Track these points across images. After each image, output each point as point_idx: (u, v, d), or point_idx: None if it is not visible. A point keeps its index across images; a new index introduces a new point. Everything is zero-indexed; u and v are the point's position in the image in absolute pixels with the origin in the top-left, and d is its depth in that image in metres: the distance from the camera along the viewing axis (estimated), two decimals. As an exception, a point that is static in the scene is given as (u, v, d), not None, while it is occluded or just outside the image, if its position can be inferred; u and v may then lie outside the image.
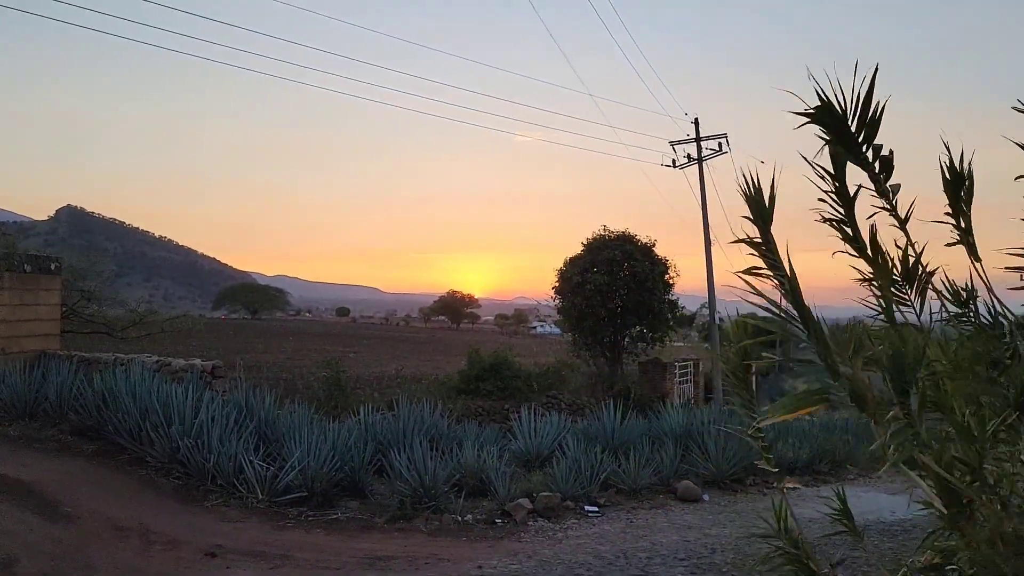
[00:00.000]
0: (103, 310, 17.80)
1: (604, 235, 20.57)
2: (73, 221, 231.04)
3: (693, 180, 21.90)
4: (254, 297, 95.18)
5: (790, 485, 10.36)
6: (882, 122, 1.53)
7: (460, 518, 7.62)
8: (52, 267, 13.40)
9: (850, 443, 12.20)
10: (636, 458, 9.20)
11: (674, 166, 21.67)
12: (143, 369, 10.51)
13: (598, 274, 19.31)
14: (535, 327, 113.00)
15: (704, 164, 21.27)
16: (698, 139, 21.48)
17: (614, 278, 19.53)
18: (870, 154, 1.59)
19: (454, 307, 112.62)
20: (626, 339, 20.89)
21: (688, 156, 21.63)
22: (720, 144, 21.47)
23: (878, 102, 1.49)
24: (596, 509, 8.29)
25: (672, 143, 21.82)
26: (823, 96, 1.50)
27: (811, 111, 1.52)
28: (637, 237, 20.53)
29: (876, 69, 1.45)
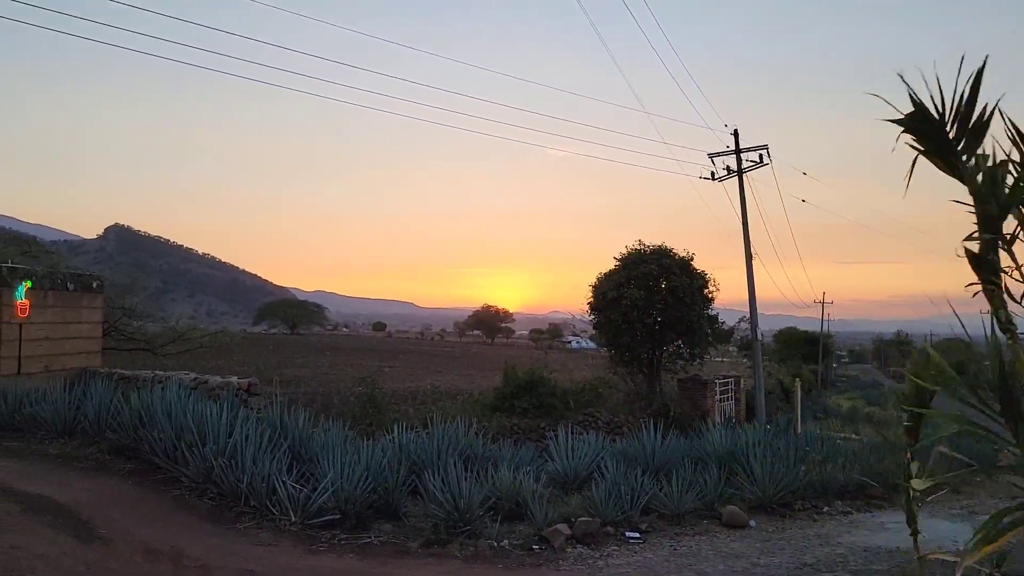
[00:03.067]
0: (144, 327, 18.02)
1: (640, 249, 20.22)
2: (121, 239, 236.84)
3: (732, 192, 21.52)
4: (293, 312, 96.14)
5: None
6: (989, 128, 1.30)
7: (496, 543, 7.39)
8: (94, 285, 13.58)
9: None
10: (679, 481, 8.87)
11: (713, 178, 21.29)
12: (180, 387, 10.53)
13: (634, 289, 18.96)
14: (570, 342, 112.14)
15: (744, 176, 20.87)
16: (738, 151, 21.07)
17: (651, 293, 19.16)
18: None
19: (488, 321, 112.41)
20: (664, 355, 20.47)
21: (728, 168, 21.22)
22: (761, 156, 21.02)
23: (985, 104, 1.26)
24: (638, 535, 8.00)
25: (711, 155, 21.45)
26: (916, 99, 1.28)
27: (902, 118, 1.30)
28: (674, 251, 20.14)
29: (983, 65, 1.22)
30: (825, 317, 69.32)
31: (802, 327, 72.64)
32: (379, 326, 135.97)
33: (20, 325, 11.83)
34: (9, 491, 7.90)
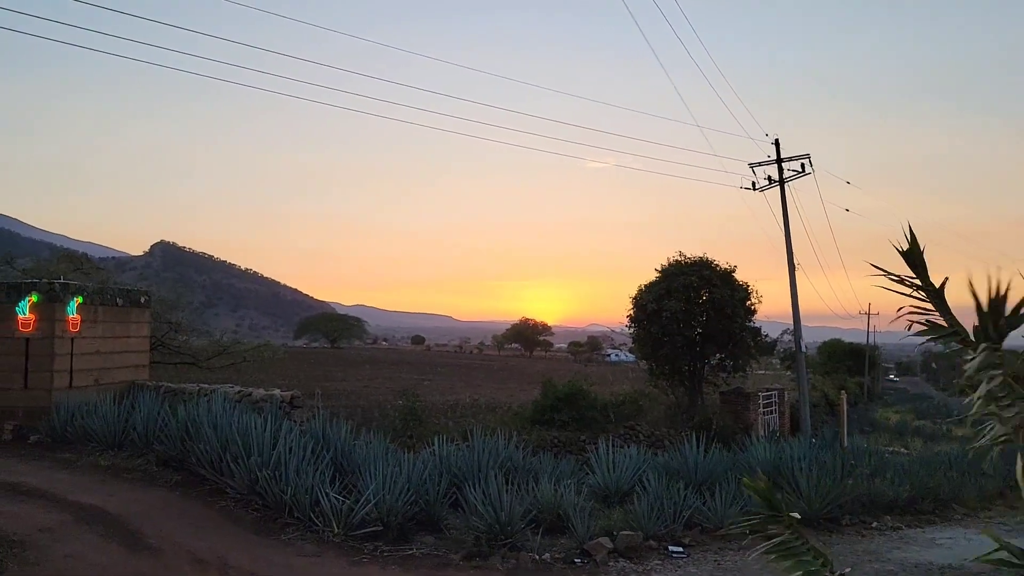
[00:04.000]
0: (190, 341, 18.40)
1: (680, 261, 20.03)
2: (166, 255, 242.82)
3: (774, 202, 21.17)
4: (333, 326, 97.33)
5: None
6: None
7: (537, 557, 7.36)
8: (142, 300, 13.91)
9: (955, 480, 11.35)
10: (722, 495, 8.73)
11: (754, 188, 20.97)
12: (225, 400, 10.71)
13: (675, 301, 18.77)
14: (609, 355, 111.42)
15: (786, 186, 20.55)
16: (779, 160, 20.74)
17: (692, 305, 18.96)
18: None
19: (527, 335, 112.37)
20: (706, 368, 20.20)
21: (769, 178, 20.88)
22: (803, 165, 20.65)
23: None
24: (681, 550, 7.88)
25: (752, 165, 21.15)
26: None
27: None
28: (716, 262, 19.93)
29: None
30: (871, 328, 67.70)
31: (847, 339, 71.14)
32: (418, 339, 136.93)
33: (72, 339, 12.16)
34: (63, 502, 8.12)
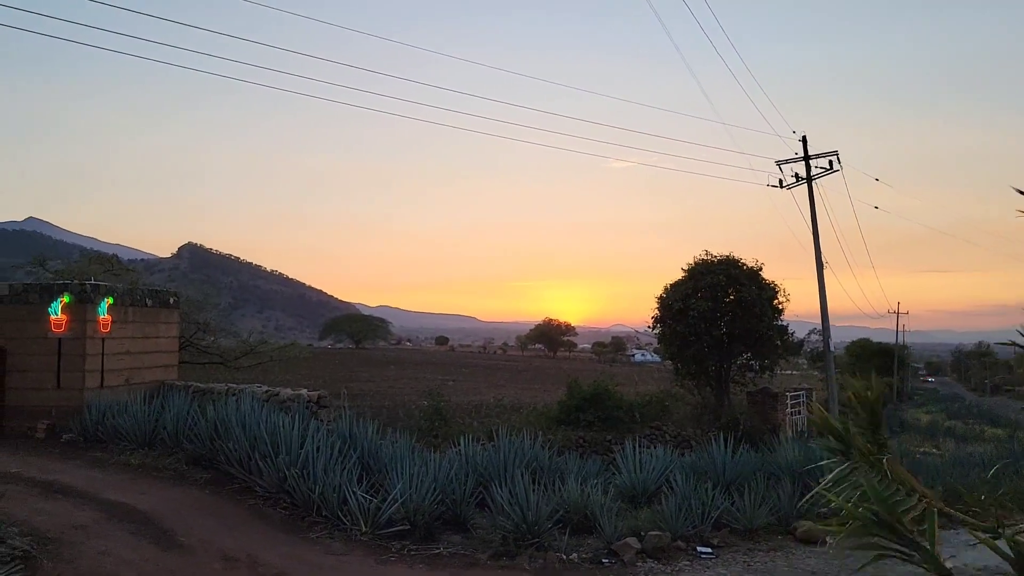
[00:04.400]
0: (218, 341, 18.59)
1: (706, 260, 19.85)
2: (194, 257, 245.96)
3: (802, 200, 20.86)
4: (358, 327, 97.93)
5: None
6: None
7: (565, 556, 7.32)
8: (171, 301, 14.08)
9: (990, 482, 11.10)
10: (751, 496, 8.62)
11: (781, 186, 20.71)
12: (253, 399, 10.80)
13: (701, 300, 18.60)
14: (633, 355, 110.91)
15: (814, 183, 20.26)
16: (806, 157, 20.46)
17: (718, 304, 18.77)
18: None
19: (551, 335, 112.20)
20: (732, 368, 20.00)
21: (796, 175, 20.61)
22: (831, 162, 20.33)
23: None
24: (709, 550, 7.80)
25: (779, 162, 20.88)
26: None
27: None
28: (742, 261, 19.71)
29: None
30: (900, 328, 66.67)
31: (875, 339, 70.20)
32: (442, 340, 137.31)
33: (103, 340, 12.34)
34: (95, 500, 8.23)
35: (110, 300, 12.38)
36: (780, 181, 20.86)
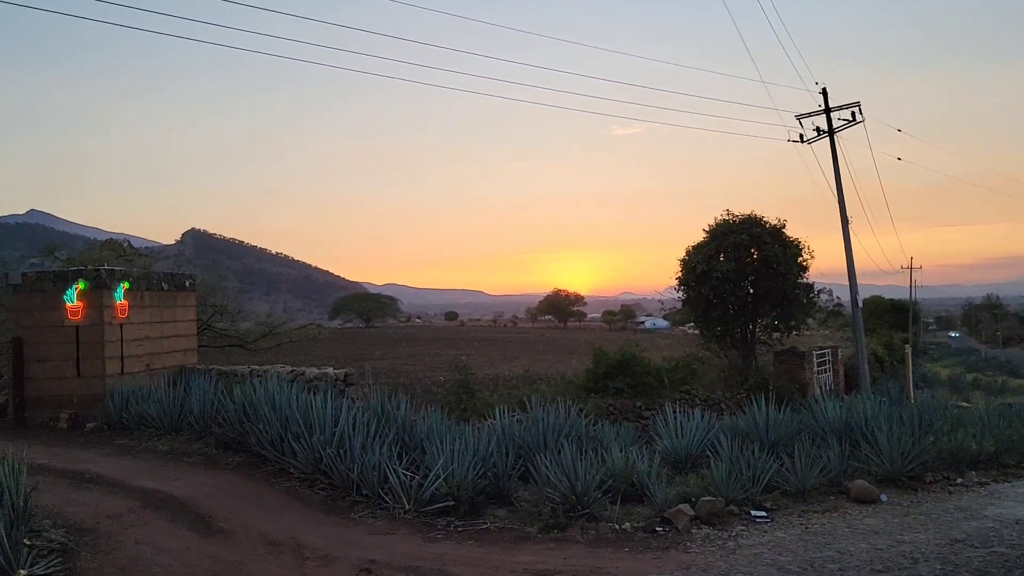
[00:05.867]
0: (235, 324, 18.35)
1: (728, 219, 19.43)
2: (198, 243, 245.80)
3: (821, 154, 20.42)
4: (367, 306, 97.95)
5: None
6: None
7: (618, 526, 7.07)
8: (187, 284, 13.80)
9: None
10: (802, 456, 8.35)
11: (802, 141, 20.19)
12: (279, 379, 10.54)
13: (725, 261, 18.25)
14: (643, 322, 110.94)
15: (835, 136, 19.74)
16: (827, 109, 19.90)
17: (742, 264, 18.41)
18: None
19: (560, 306, 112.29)
20: (758, 328, 19.67)
21: (817, 129, 20.09)
22: (853, 114, 19.76)
23: None
24: (764, 514, 7.54)
25: (799, 116, 20.31)
26: None
27: None
28: (765, 219, 19.29)
29: None
30: (913, 283, 66.21)
31: (886, 295, 69.68)
32: (451, 316, 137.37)
33: (121, 326, 12.08)
34: (127, 488, 8.00)
35: (126, 285, 12.10)
36: (801, 136, 20.34)
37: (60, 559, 5.77)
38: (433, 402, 13.43)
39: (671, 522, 7.16)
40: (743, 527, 7.21)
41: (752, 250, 18.67)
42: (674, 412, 10.23)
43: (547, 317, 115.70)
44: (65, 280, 11.84)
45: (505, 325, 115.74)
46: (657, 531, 7.01)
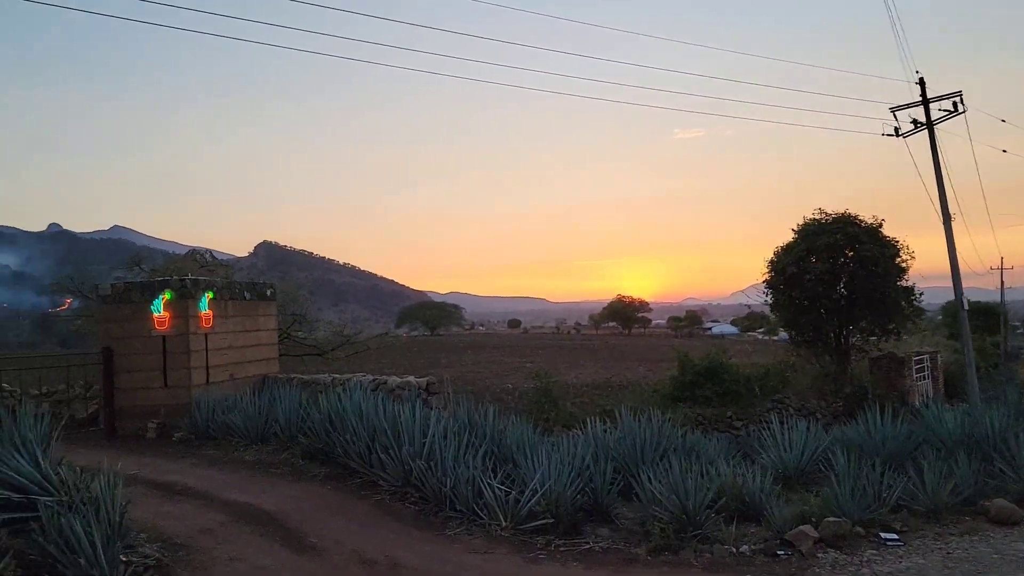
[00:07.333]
0: (312, 333, 18.39)
1: (819, 219, 18.48)
2: (270, 255, 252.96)
3: (916, 149, 19.21)
4: (432, 314, 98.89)
5: None
6: None
7: (735, 549, 6.51)
8: (268, 293, 13.78)
9: None
10: (932, 472, 7.61)
11: (897, 135, 19.01)
12: (361, 389, 10.31)
13: (817, 263, 17.33)
14: (710, 327, 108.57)
15: (935, 128, 18.53)
16: (925, 100, 18.66)
17: (836, 265, 17.47)
18: None
19: (624, 312, 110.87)
20: (853, 334, 18.63)
21: (915, 122, 18.90)
22: (955, 104, 18.51)
23: None
24: (895, 537, 6.85)
25: (893, 109, 19.11)
26: None
27: None
28: (860, 218, 18.26)
29: None
30: (1004, 285, 62.70)
31: (971, 297, 66.17)
32: (514, 323, 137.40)
33: (205, 335, 12.09)
34: (217, 501, 7.84)
35: (210, 295, 12.11)
36: (896, 129, 19.15)
37: (156, 575, 5.58)
38: (506, 410, 13.06)
39: (793, 545, 6.56)
40: (874, 551, 6.55)
41: (847, 250, 17.70)
42: (781, 423, 9.56)
43: (611, 324, 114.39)
44: (152, 291, 11.91)
45: (568, 332, 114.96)
46: (779, 555, 6.43)
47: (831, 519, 6.82)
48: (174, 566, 5.89)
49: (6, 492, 5.92)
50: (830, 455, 8.39)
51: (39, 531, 5.43)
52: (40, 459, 6.32)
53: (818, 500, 7.40)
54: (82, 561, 5.12)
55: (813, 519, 6.94)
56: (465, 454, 7.74)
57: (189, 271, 15.00)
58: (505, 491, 7.21)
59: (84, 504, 5.78)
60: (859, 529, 6.92)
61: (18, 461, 6.16)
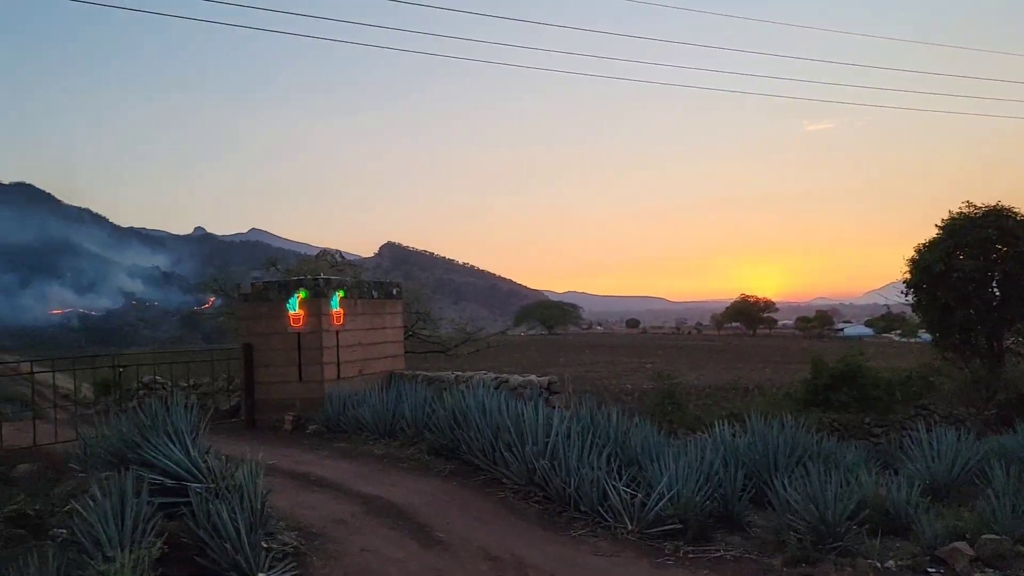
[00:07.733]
0: (438, 330, 18.87)
1: (968, 212, 17.10)
2: (394, 255, 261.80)
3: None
4: (550, 313, 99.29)
5: None
6: None
7: (880, 564, 6.09)
8: (395, 292, 14.24)
9: None
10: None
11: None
12: (484, 386, 10.44)
13: (966, 259, 16.04)
14: (841, 328, 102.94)
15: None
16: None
17: (988, 263, 16.10)
18: None
19: (748, 312, 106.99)
20: (1008, 336, 17.12)
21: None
22: None
23: None
24: (1066, 559, 6.20)
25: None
26: None
27: None
28: (1015, 210, 16.74)
29: None
30: None
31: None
32: (632, 323, 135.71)
33: (337, 332, 12.64)
34: (349, 492, 8.14)
35: (341, 294, 12.65)
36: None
37: (294, 563, 5.84)
38: (626, 411, 12.84)
39: (945, 562, 6.07)
40: (1040, 574, 5.96)
41: (1000, 246, 16.29)
42: (929, 431, 8.89)
43: (734, 324, 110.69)
44: (287, 290, 12.57)
45: (689, 332, 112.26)
46: (929, 572, 5.97)
47: (989, 536, 6.26)
48: (310, 554, 6.15)
49: (160, 478, 6.39)
50: (985, 467, 7.72)
51: (190, 516, 5.82)
52: (190, 447, 6.78)
53: (973, 515, 6.82)
54: (228, 546, 5.43)
55: (967, 535, 6.40)
56: (589, 455, 7.66)
57: (321, 271, 15.74)
58: (631, 494, 7.09)
59: (229, 491, 6.14)
60: (1021, 548, 6.32)
61: (171, 449, 6.64)
